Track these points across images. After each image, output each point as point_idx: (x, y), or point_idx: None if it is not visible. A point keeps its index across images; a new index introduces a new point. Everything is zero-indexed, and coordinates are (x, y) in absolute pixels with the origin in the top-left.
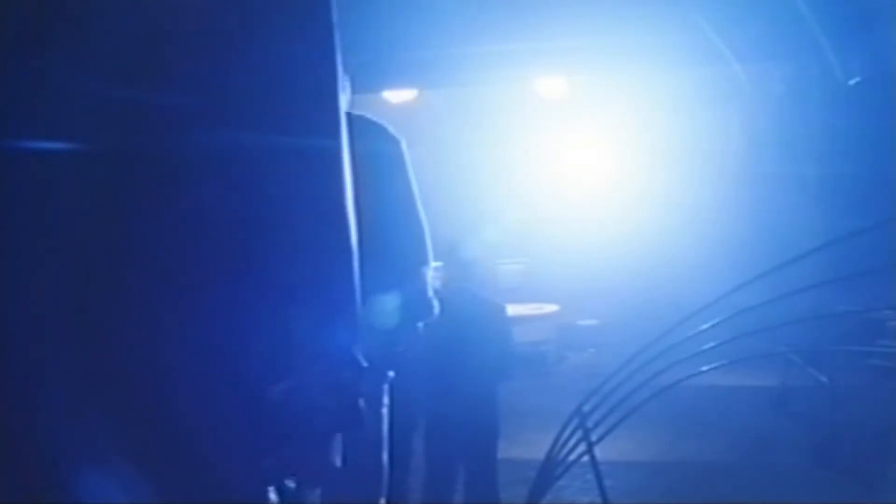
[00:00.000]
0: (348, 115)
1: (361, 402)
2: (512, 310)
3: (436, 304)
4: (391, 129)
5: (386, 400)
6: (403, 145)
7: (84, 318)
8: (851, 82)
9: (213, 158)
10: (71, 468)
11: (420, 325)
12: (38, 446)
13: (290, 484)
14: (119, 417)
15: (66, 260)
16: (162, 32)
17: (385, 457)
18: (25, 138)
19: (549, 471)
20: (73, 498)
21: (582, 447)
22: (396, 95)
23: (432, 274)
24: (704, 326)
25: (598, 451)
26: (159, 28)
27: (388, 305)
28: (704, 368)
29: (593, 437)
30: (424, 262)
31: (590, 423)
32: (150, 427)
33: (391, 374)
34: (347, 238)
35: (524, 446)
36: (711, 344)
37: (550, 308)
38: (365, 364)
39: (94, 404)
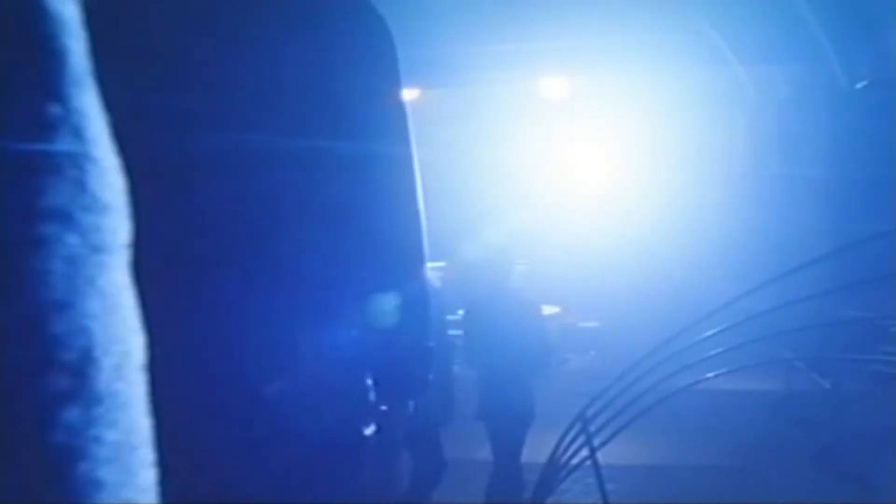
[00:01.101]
0: None
1: (431, 376)
2: None
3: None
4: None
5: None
6: (392, 40)
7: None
8: (858, 86)
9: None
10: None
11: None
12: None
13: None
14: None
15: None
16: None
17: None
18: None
19: (551, 474)
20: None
21: (584, 451)
22: None
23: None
24: (709, 333)
25: (600, 455)
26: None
27: (384, 305)
28: (709, 375)
29: (596, 442)
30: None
31: (592, 428)
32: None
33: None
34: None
35: (526, 449)
36: (716, 350)
37: (552, 309)
38: (433, 345)
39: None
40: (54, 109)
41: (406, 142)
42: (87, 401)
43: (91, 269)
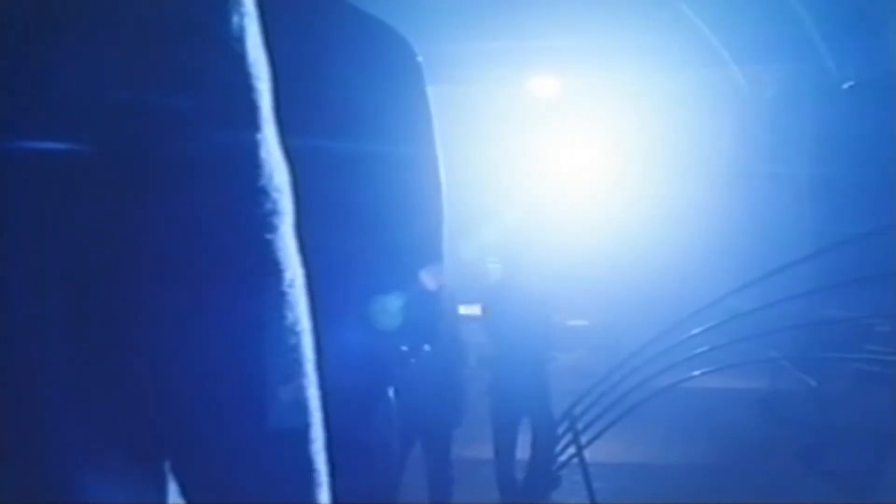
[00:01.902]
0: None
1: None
2: None
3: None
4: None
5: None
6: (421, 62)
7: (86, 318)
8: (845, 86)
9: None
10: (73, 468)
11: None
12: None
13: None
14: (124, 415)
15: (71, 260)
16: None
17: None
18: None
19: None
20: (74, 498)
21: (572, 449)
22: None
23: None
24: (695, 331)
25: (587, 453)
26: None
27: (391, 305)
28: (696, 374)
29: (583, 440)
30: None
31: (580, 426)
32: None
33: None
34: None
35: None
36: (703, 349)
37: None
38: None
39: (95, 402)
40: (258, 136)
41: (429, 145)
42: (277, 293)
43: (276, 221)
